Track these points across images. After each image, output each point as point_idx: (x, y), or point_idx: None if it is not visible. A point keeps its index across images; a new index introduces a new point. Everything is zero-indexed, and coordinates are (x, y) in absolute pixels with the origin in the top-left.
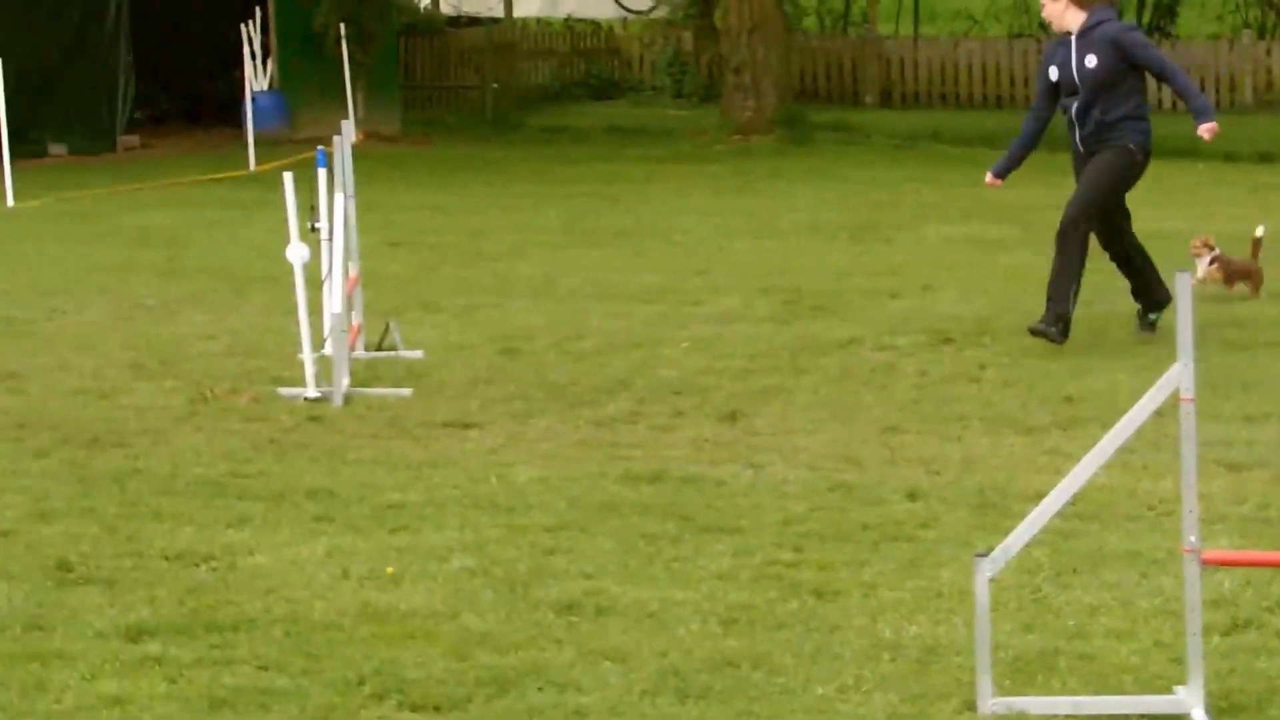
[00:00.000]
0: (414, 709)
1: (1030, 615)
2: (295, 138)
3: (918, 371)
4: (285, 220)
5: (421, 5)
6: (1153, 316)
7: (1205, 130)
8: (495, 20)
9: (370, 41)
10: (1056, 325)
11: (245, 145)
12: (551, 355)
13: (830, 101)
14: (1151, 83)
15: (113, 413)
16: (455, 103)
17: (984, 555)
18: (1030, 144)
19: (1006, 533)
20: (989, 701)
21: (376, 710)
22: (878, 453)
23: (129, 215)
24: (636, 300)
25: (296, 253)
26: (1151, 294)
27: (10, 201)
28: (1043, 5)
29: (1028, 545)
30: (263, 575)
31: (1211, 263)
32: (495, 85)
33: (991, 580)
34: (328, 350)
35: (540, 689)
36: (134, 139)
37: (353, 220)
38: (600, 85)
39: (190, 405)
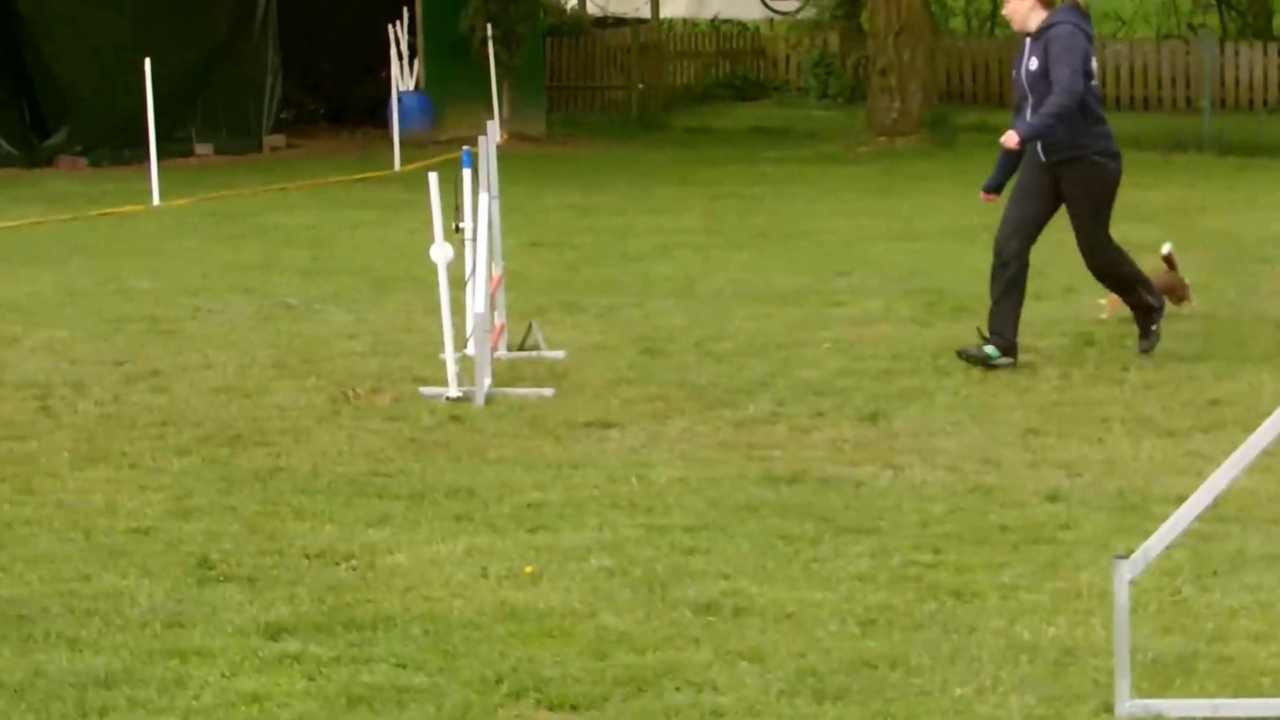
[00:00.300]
0: (551, 708)
1: (1169, 618)
2: (440, 138)
3: (1059, 374)
4: (430, 220)
5: (568, 6)
6: (1154, 327)
7: (1005, 137)
8: (641, 21)
9: (516, 42)
10: (1011, 354)
11: (390, 145)
12: (692, 356)
13: (976, 103)
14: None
15: (255, 411)
16: (600, 103)
17: (1124, 558)
18: (1017, 152)
19: (1147, 535)
20: (1127, 704)
21: (514, 709)
22: (1018, 455)
23: (273, 215)
24: (778, 301)
25: (440, 252)
26: (1142, 304)
27: (156, 200)
28: (1005, 2)
29: (1168, 548)
30: (402, 574)
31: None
32: (640, 86)
33: (1131, 582)
34: (470, 350)
35: (677, 689)
36: (280, 139)
37: (497, 220)
38: (745, 86)
39: (332, 404)
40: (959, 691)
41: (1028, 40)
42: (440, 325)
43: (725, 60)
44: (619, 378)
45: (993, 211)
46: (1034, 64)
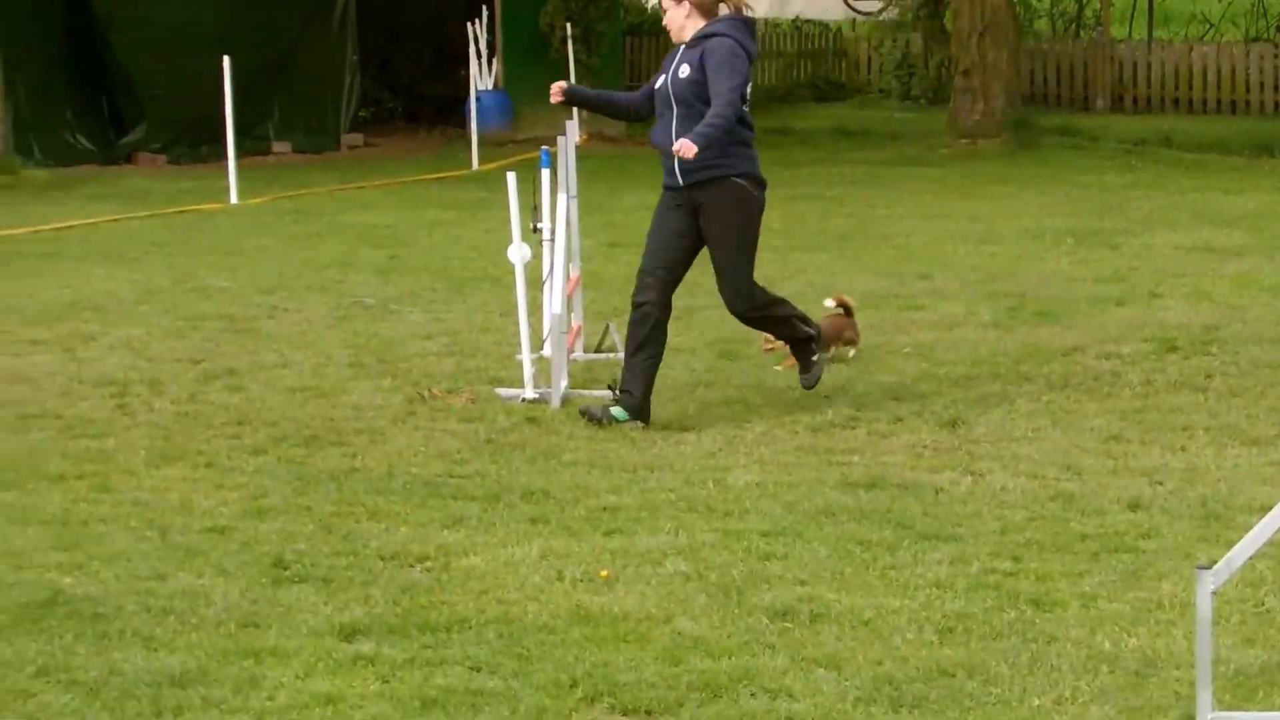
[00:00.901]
0: (625, 713)
1: (1252, 629)
2: (518, 138)
3: (1142, 380)
4: (507, 220)
5: (648, 5)
6: (815, 358)
7: (676, 147)
8: None
9: (596, 41)
10: (640, 416)
11: (468, 145)
12: (771, 359)
13: (1060, 106)
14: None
15: (331, 411)
16: None
17: (1206, 568)
18: (617, 101)
19: (1230, 545)
20: (1208, 716)
21: (588, 713)
22: (1099, 462)
23: (350, 214)
24: (857, 304)
25: (518, 253)
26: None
27: (234, 199)
28: (663, 11)
29: (1251, 558)
30: (476, 576)
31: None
32: None
33: (1214, 593)
34: (546, 351)
35: (752, 695)
36: (357, 137)
37: (575, 221)
38: (826, 87)
39: (408, 404)
40: (1037, 701)
41: (681, 47)
42: (517, 326)
43: (806, 61)
44: (696, 380)
45: (1078, 215)
46: (684, 72)
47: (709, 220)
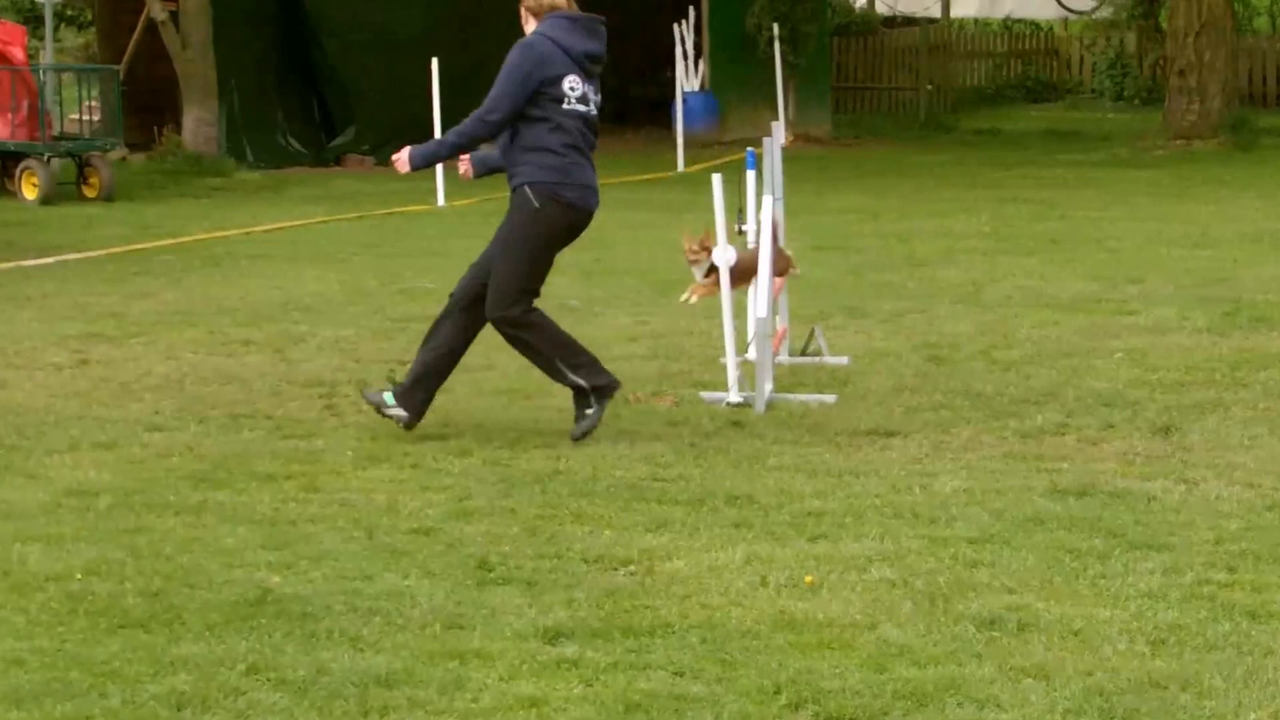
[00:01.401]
0: None
1: None
2: (724, 139)
3: None
4: (712, 222)
5: (856, 5)
6: (589, 411)
7: (394, 156)
8: (931, 21)
9: (803, 42)
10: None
11: (674, 146)
12: (978, 364)
13: None
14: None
15: (536, 413)
16: (887, 104)
17: None
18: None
19: None
20: None
21: None
22: None
23: None
24: (1067, 309)
25: (723, 255)
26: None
27: (441, 200)
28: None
29: None
30: (680, 580)
31: (709, 272)
32: (929, 87)
33: None
34: (751, 355)
35: (959, 705)
36: None
37: (780, 223)
38: (1037, 87)
39: (612, 407)
40: (1253, 716)
41: None
42: (721, 329)
43: (1017, 61)
44: (902, 385)
45: None
46: None
47: (503, 223)
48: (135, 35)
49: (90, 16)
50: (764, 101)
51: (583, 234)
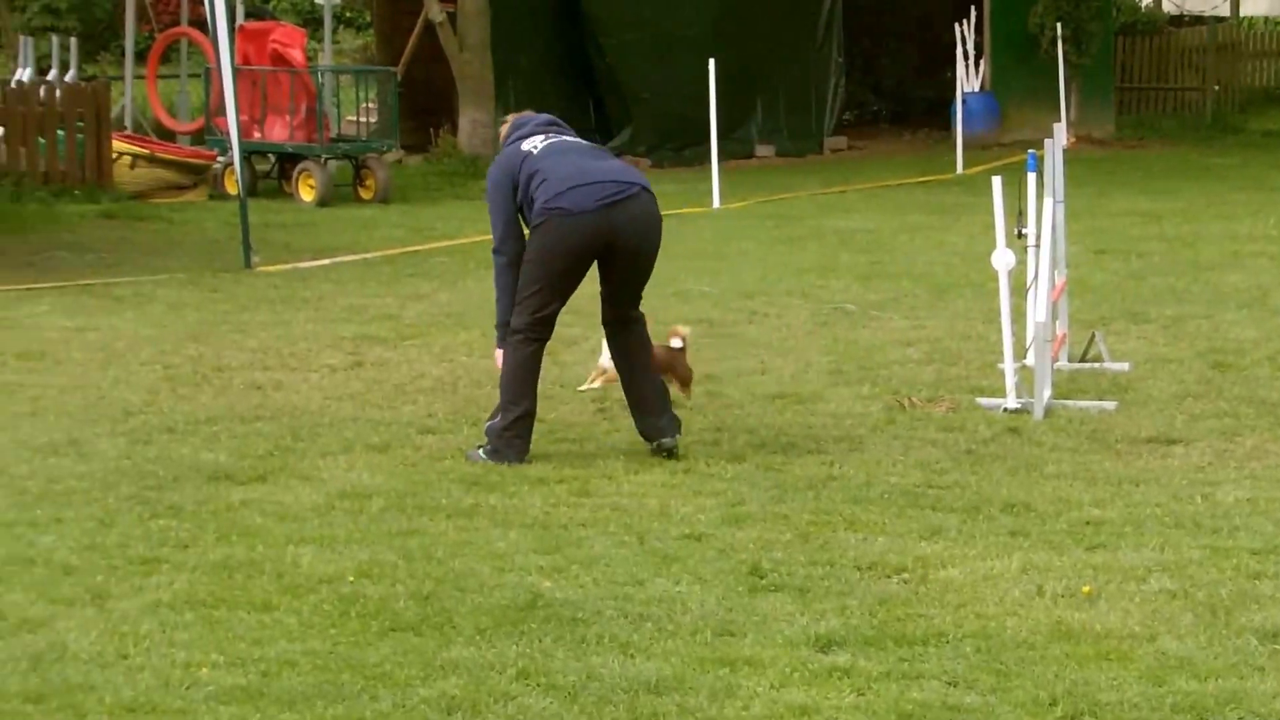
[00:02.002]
0: None
1: None
2: (1003, 140)
3: None
4: (991, 225)
5: (1142, 4)
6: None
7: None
8: (1219, 19)
9: (1087, 41)
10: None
11: (953, 148)
12: (1264, 370)
13: None
14: None
15: (809, 418)
16: (1172, 105)
17: None
18: None
19: None
20: None
21: None
22: None
23: (832, 218)
24: None
25: (1002, 259)
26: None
27: (716, 203)
28: None
29: None
30: (955, 589)
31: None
32: (1216, 87)
33: None
34: (1029, 360)
35: (1240, 719)
36: (841, 140)
37: (1061, 226)
38: None
39: (887, 413)
40: None
41: None
42: (999, 334)
43: None
44: (1185, 392)
45: None
46: None
47: None
48: (413, 37)
49: (369, 18)
50: (1045, 102)
51: (858, 238)
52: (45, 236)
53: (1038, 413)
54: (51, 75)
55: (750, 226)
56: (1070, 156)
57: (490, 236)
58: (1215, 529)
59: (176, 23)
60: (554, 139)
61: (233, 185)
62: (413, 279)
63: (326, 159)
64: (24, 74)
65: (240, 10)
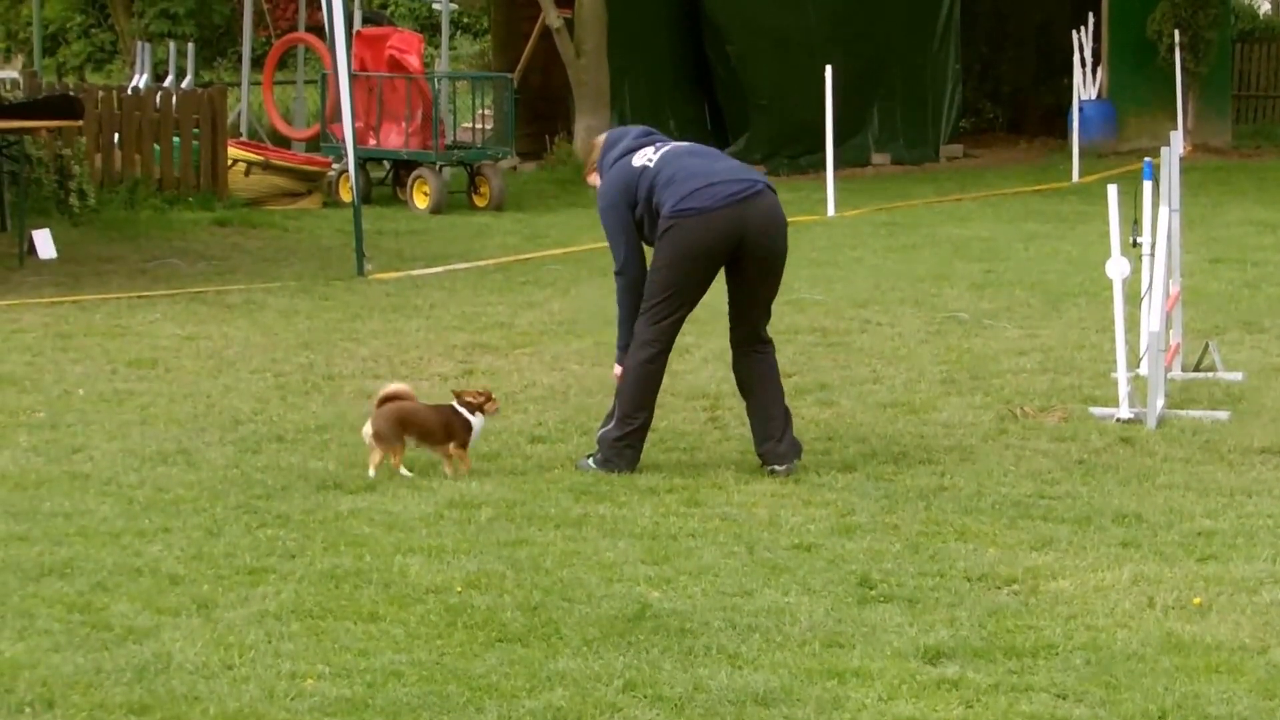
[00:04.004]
0: None
1: None
2: (1121, 149)
3: None
4: (1106, 234)
5: (1260, 11)
6: (590, 460)
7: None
8: None
9: (1205, 49)
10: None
11: (1069, 156)
12: None
13: None
14: None
15: (921, 428)
16: None
17: None
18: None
19: None
20: None
21: None
22: None
23: (946, 226)
24: None
25: (1117, 268)
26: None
27: (831, 211)
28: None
29: None
30: (1065, 600)
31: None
32: None
33: None
34: (1143, 370)
35: None
36: (957, 148)
37: (1176, 235)
38: None
39: (999, 422)
40: None
41: None
42: (1113, 343)
43: None
44: None
45: None
46: None
47: None
48: (530, 43)
49: (486, 24)
50: (1162, 110)
51: (972, 246)
52: (159, 244)
53: (1150, 422)
54: (168, 81)
55: (864, 235)
56: (1187, 165)
57: (607, 255)
58: None
59: (294, 28)
60: (665, 147)
61: (347, 192)
62: (525, 287)
63: (441, 166)
64: (141, 80)
65: (358, 16)
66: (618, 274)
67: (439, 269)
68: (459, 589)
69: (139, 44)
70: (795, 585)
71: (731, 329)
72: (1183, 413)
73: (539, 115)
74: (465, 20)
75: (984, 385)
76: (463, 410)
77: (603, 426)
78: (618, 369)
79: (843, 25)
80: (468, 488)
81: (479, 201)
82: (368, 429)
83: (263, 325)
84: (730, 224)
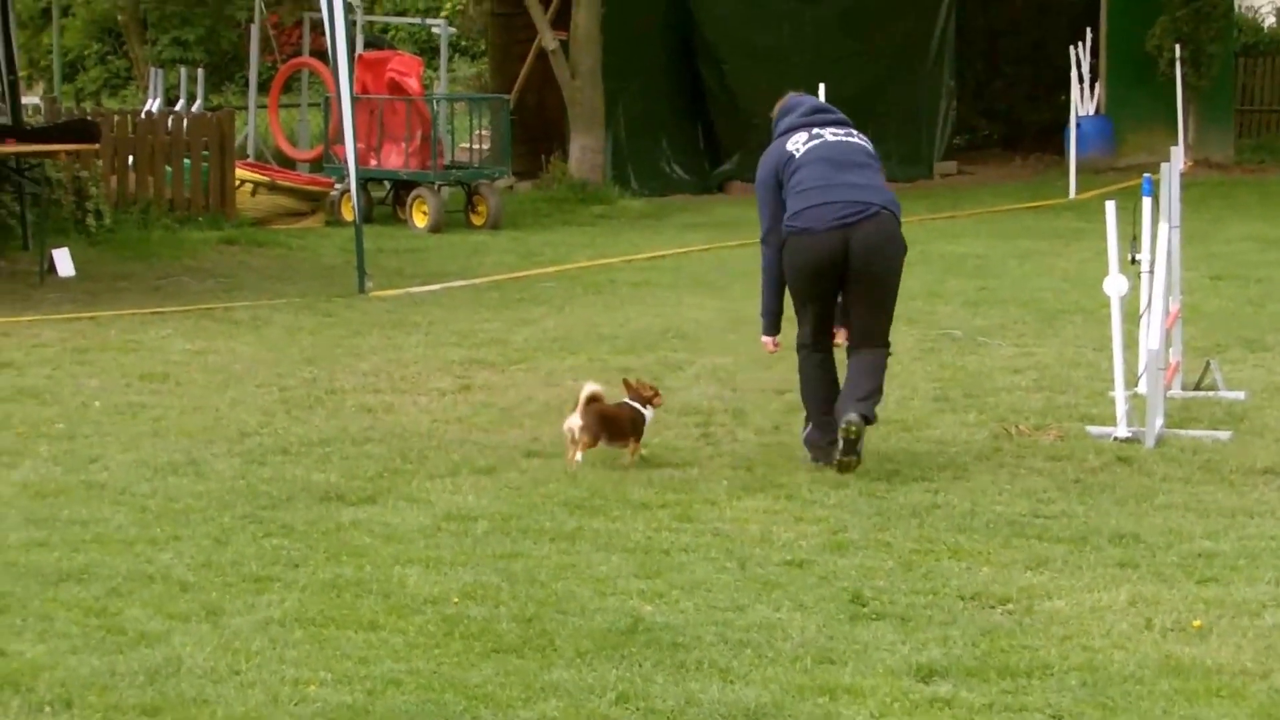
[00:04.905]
0: None
1: None
2: (1119, 165)
3: None
4: (1104, 251)
5: (1265, 24)
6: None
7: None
8: None
9: (1206, 63)
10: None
11: (1066, 172)
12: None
13: None
14: None
15: (914, 445)
16: None
17: None
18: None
19: None
20: None
21: None
22: None
23: (940, 243)
24: None
25: (1114, 285)
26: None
27: None
28: None
29: None
30: (1060, 620)
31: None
32: None
33: None
34: (1141, 388)
35: None
36: (951, 165)
37: (1176, 252)
38: None
39: (994, 440)
40: None
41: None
42: (1110, 361)
43: None
44: None
45: None
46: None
47: None
48: (526, 64)
49: (483, 47)
50: (1161, 125)
51: (966, 263)
52: (170, 262)
53: (1149, 441)
54: (179, 106)
55: None
56: (1187, 181)
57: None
58: None
59: (298, 53)
60: (814, 141)
61: (349, 212)
62: (521, 304)
63: (440, 186)
64: (154, 104)
65: (360, 40)
66: (762, 241)
67: (437, 287)
68: (456, 600)
69: (152, 70)
70: (787, 601)
71: (848, 330)
72: (1183, 432)
73: (534, 135)
74: (463, 43)
75: (978, 403)
76: (638, 405)
77: (804, 430)
78: (764, 339)
79: (836, 43)
80: (465, 501)
81: (476, 220)
82: (575, 423)
83: (268, 341)
84: (832, 248)
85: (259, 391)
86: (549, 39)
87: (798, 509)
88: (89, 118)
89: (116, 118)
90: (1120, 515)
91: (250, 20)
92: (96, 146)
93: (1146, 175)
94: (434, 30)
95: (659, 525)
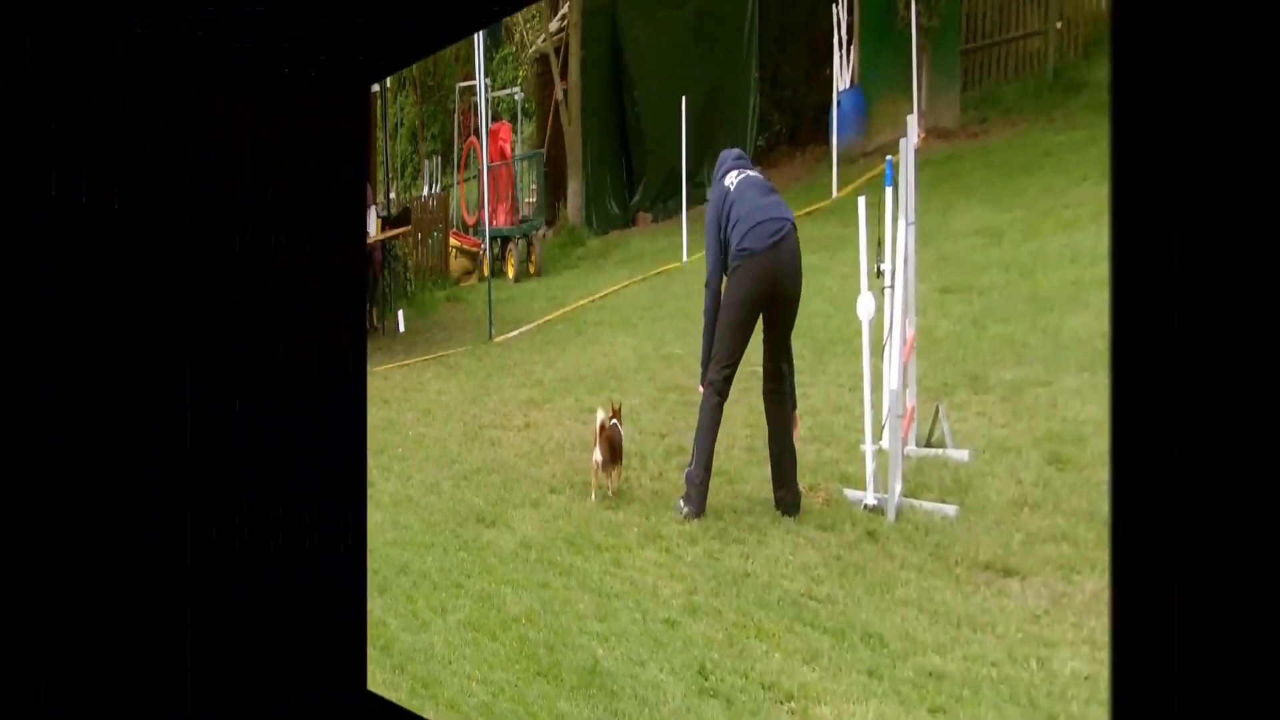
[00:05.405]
0: None
1: None
2: (868, 148)
3: None
4: (858, 262)
5: None
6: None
7: None
8: None
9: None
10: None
11: (830, 167)
12: (1099, 472)
13: None
14: None
15: (733, 500)
16: (1013, 62)
17: None
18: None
19: None
20: None
21: None
22: None
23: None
24: None
25: (864, 306)
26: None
27: (685, 257)
28: None
29: None
30: None
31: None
32: (1059, 24)
33: None
34: (885, 442)
35: None
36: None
37: (913, 258)
38: None
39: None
40: None
41: None
42: (863, 405)
43: None
44: (1022, 498)
45: None
46: None
47: None
48: (549, 118)
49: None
50: (903, 90)
51: None
52: (429, 316)
53: (890, 514)
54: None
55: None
56: (921, 158)
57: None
58: (1052, 713)
59: (476, 133)
60: (741, 174)
61: (485, 269)
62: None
63: (519, 238)
64: (432, 189)
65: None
66: (707, 285)
67: (513, 332)
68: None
69: (425, 162)
70: (667, 663)
71: (765, 375)
72: (917, 503)
73: (554, 185)
74: (527, 105)
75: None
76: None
77: (688, 467)
78: (702, 387)
79: (690, 55)
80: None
81: (530, 269)
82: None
83: (456, 382)
84: (771, 266)
85: (449, 426)
86: (558, 89)
87: (671, 564)
88: (407, 205)
89: (415, 203)
90: (870, 607)
91: (453, 110)
92: (408, 228)
93: (889, 158)
94: (516, 96)
95: (604, 569)
